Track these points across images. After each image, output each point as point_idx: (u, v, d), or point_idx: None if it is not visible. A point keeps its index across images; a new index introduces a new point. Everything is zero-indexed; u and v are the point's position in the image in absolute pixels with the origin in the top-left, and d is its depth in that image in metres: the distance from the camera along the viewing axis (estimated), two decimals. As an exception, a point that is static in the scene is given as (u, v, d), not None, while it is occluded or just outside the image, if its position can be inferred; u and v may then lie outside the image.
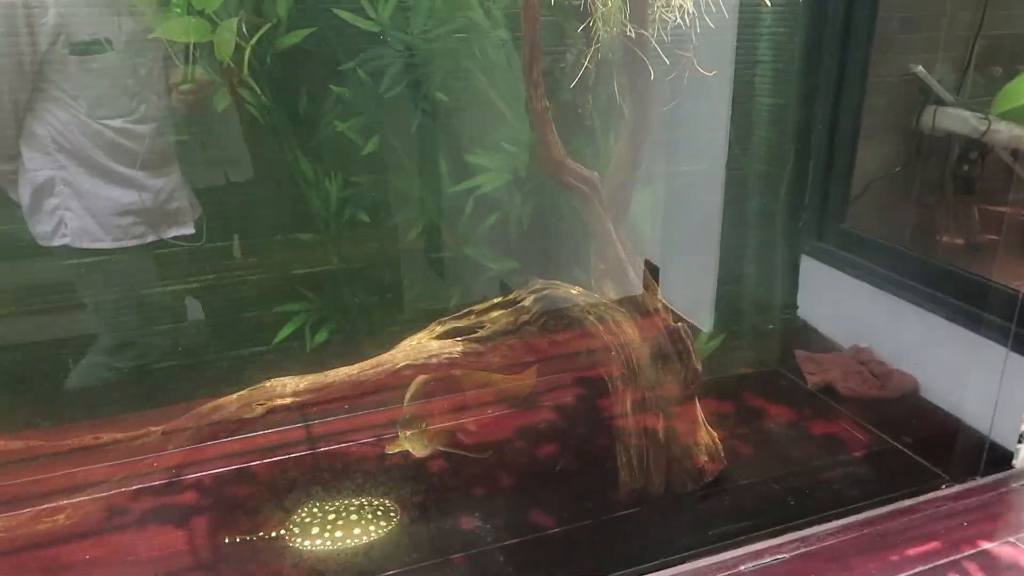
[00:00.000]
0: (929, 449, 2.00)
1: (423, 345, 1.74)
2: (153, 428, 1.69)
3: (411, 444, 1.85)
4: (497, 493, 1.86)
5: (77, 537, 1.70)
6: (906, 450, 2.02)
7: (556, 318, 1.79)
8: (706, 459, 1.81)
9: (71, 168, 1.89)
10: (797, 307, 2.73)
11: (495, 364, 1.78)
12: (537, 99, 1.56)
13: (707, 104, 2.61)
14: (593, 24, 1.67)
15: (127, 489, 1.79)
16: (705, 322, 2.68)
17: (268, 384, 1.67)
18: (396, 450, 1.89)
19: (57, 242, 1.96)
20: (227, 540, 1.69)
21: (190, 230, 2.07)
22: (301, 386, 1.68)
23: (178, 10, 1.80)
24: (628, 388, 1.76)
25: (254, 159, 2.11)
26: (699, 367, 1.75)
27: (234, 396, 1.67)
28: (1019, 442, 1.93)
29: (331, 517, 1.75)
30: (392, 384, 1.72)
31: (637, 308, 1.78)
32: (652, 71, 1.67)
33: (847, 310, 2.56)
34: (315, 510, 1.77)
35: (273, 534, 1.70)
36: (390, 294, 2.23)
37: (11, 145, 1.88)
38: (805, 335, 2.61)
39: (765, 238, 2.68)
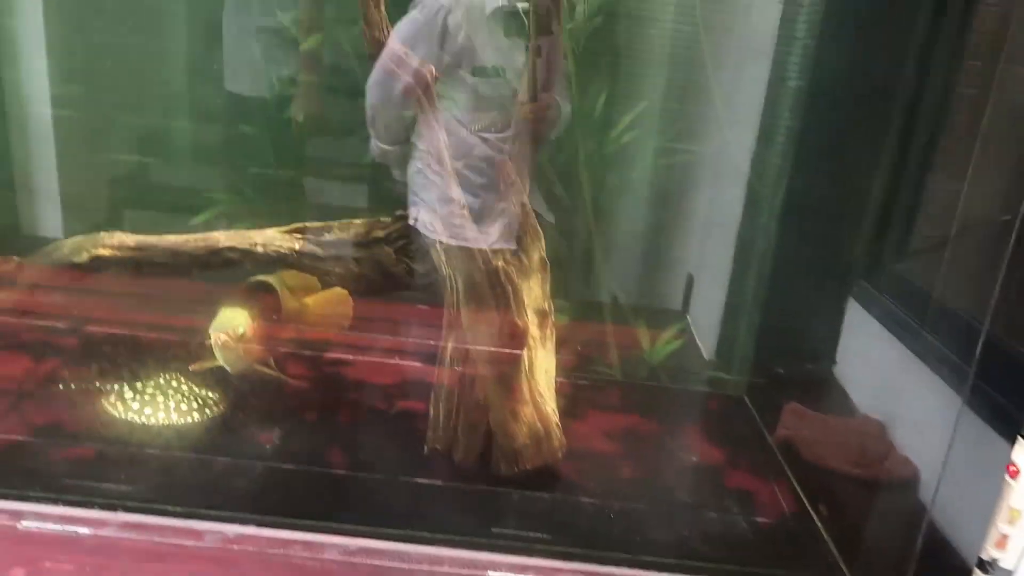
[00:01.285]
0: (853, 543, 1.48)
1: (254, 231, 1.62)
2: (16, 258, 1.73)
3: (224, 356, 1.61)
4: (311, 422, 1.68)
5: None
6: (826, 535, 1.52)
7: (415, 243, 1.59)
8: (527, 443, 1.48)
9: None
10: (835, 363, 2.20)
11: (330, 272, 1.62)
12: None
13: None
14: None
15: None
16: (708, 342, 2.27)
17: (102, 234, 1.64)
18: (203, 368, 1.68)
19: None
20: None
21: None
22: (129, 241, 1.63)
23: None
24: (452, 333, 1.50)
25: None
26: (524, 322, 1.43)
27: (70, 240, 1.65)
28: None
29: (149, 391, 1.69)
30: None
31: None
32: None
33: (885, 374, 2.00)
34: (139, 383, 1.72)
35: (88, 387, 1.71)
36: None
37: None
38: (821, 389, 2.09)
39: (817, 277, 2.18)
